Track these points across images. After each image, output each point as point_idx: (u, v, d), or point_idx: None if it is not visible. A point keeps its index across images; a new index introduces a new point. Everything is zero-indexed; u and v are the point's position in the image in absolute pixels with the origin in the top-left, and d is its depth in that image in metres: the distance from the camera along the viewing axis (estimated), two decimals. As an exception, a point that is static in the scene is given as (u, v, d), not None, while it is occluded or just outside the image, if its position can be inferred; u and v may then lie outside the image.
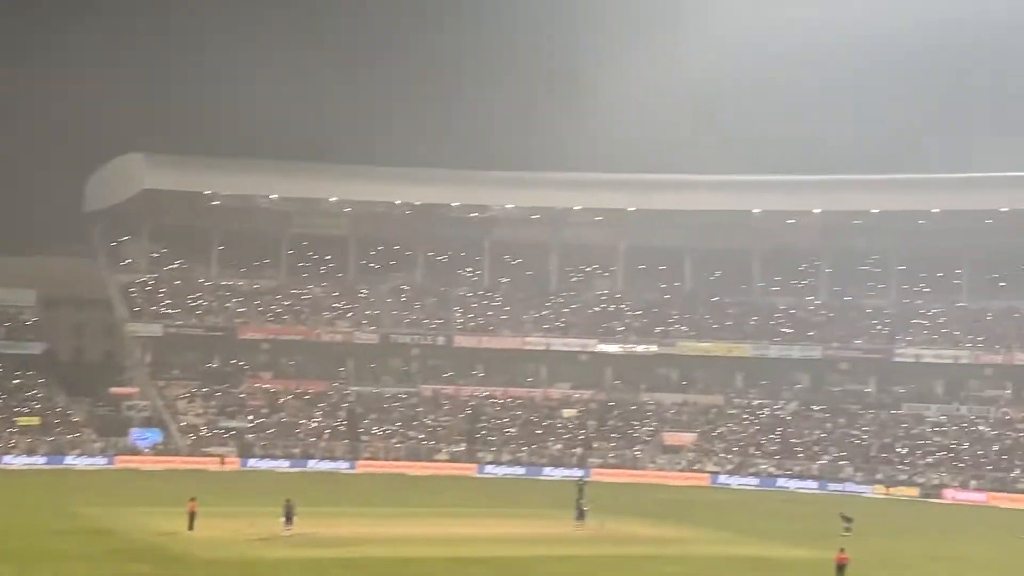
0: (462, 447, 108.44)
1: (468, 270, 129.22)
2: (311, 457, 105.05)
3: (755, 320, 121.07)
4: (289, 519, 60.32)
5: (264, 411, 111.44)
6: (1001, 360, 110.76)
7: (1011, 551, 67.69)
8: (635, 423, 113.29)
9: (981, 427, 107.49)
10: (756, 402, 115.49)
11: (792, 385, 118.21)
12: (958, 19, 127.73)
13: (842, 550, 53.78)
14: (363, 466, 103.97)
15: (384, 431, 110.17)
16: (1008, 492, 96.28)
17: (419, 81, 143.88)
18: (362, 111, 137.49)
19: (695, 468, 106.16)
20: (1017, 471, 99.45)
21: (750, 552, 61.44)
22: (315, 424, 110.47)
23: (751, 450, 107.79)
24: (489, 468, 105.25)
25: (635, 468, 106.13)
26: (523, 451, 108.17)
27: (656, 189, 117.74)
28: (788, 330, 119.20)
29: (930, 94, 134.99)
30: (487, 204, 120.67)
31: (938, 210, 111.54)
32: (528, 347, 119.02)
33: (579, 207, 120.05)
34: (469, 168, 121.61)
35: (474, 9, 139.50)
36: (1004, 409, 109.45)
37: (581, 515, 69.06)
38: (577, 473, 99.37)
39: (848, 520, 69.09)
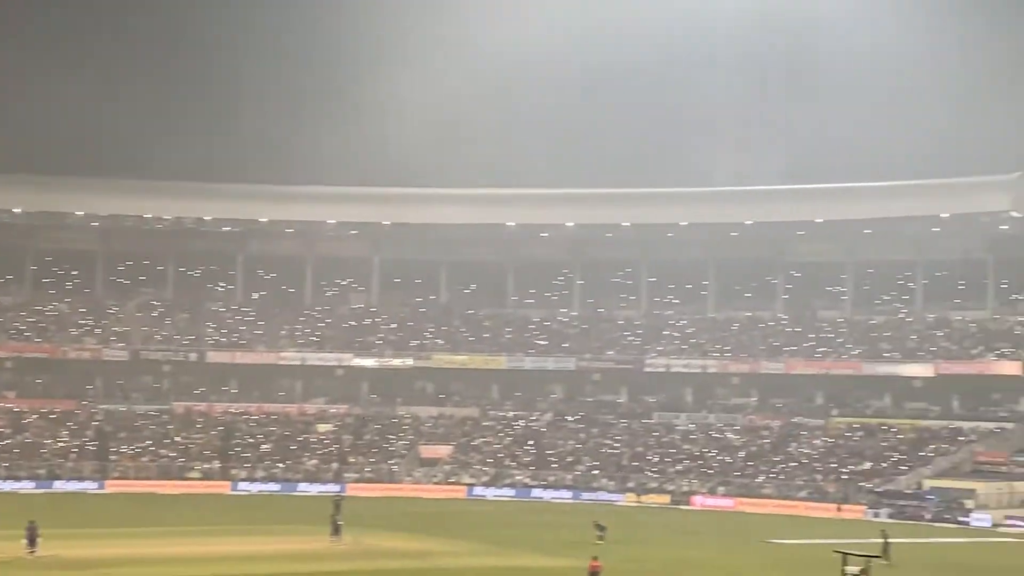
0: (215, 464, 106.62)
1: (221, 285, 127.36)
2: (57, 478, 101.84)
3: (510, 332, 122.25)
4: (32, 541, 58.38)
5: (7, 431, 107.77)
6: (747, 369, 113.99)
7: (755, 555, 69.64)
8: (391, 437, 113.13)
9: (728, 434, 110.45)
10: (511, 414, 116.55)
11: (547, 396, 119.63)
12: (705, 32, 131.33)
13: (595, 558, 54.67)
14: (112, 486, 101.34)
15: (134, 449, 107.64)
16: (754, 497, 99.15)
17: (173, 93, 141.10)
18: (112, 123, 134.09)
19: (452, 480, 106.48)
20: (762, 477, 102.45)
21: (505, 563, 61.86)
22: (62, 444, 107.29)
23: (507, 461, 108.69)
24: (243, 485, 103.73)
25: (392, 482, 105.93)
26: (278, 467, 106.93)
27: (411, 203, 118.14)
28: (542, 342, 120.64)
29: (677, 109, 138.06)
30: (240, 218, 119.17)
31: (686, 223, 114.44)
32: (283, 362, 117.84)
33: (334, 221, 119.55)
34: (223, 181, 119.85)
35: (231, 21, 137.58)
36: (750, 416, 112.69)
37: (337, 530, 68.52)
38: (333, 488, 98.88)
39: (601, 528, 70.23)
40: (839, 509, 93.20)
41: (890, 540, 64.48)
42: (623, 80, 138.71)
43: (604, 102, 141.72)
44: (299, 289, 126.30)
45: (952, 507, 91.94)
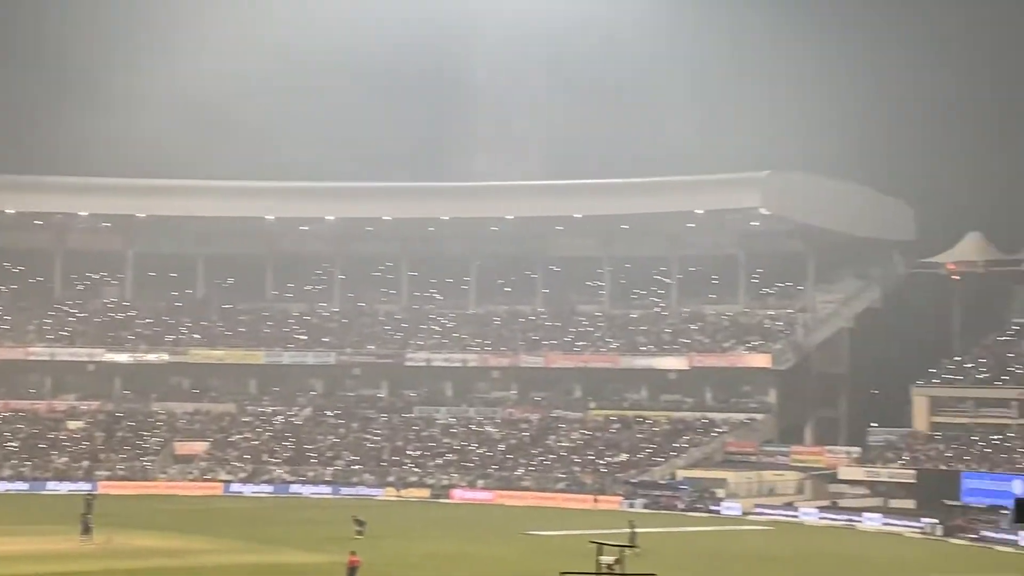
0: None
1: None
2: None
3: (269, 327, 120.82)
4: None
5: None
6: (507, 363, 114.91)
7: (514, 547, 70.23)
8: (145, 434, 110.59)
9: (488, 428, 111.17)
10: (270, 409, 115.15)
11: (306, 391, 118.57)
12: (468, 28, 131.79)
13: (353, 553, 54.46)
14: None
15: None
16: (513, 490, 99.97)
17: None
18: None
19: (208, 477, 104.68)
20: (521, 469, 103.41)
21: (263, 560, 61.15)
22: None
23: (265, 457, 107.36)
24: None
25: (146, 480, 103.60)
26: (26, 466, 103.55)
27: (167, 195, 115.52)
28: (302, 336, 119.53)
29: (438, 104, 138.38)
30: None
31: (447, 217, 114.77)
32: (31, 357, 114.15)
33: (86, 213, 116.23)
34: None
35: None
36: (510, 410, 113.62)
37: (87, 530, 66.64)
38: (84, 487, 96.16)
39: (360, 523, 69.94)
40: (596, 500, 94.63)
41: (637, 530, 65.66)
42: (388, 75, 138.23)
43: (369, 96, 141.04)
44: (48, 283, 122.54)
45: (704, 496, 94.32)
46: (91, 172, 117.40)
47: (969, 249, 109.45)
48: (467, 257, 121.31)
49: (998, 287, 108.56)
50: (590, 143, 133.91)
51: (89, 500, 72.24)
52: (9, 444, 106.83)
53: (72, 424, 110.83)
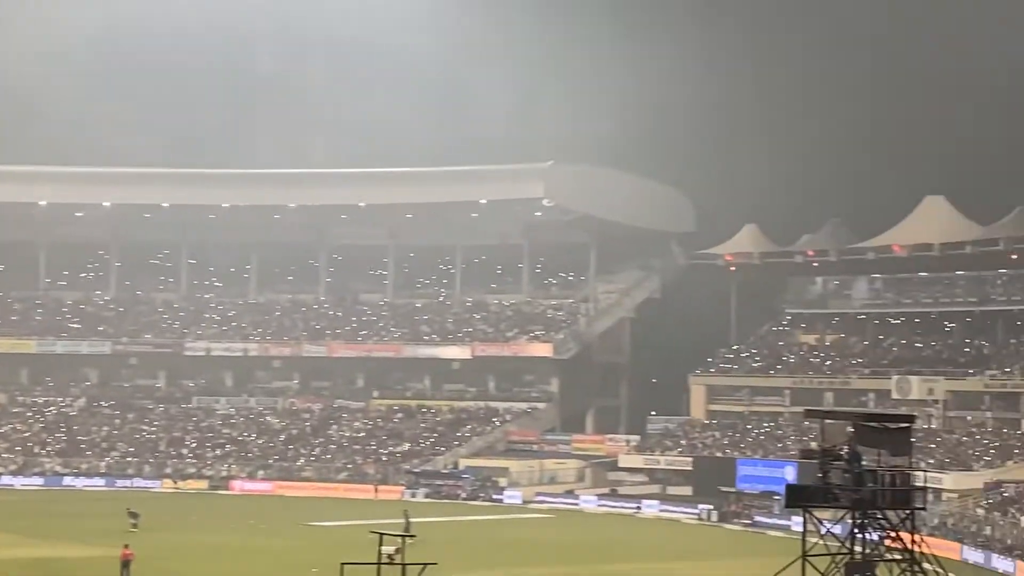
0: None
1: None
2: None
3: (41, 315, 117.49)
4: None
5: None
6: (289, 352, 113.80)
7: (295, 538, 69.65)
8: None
9: (269, 418, 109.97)
10: (42, 399, 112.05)
11: (80, 382, 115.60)
12: (246, 17, 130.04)
13: (127, 546, 53.35)
14: None
15: None
16: (293, 481, 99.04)
17: None
18: None
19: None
20: (302, 460, 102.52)
21: (35, 554, 59.49)
22: None
23: (36, 449, 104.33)
24: None
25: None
26: None
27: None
28: (76, 325, 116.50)
29: (219, 90, 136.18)
30: None
31: (228, 205, 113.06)
32: None
33: None
34: None
35: None
36: (291, 400, 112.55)
37: None
38: None
39: (135, 516, 68.55)
40: (376, 491, 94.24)
41: (411, 520, 65.58)
42: (172, 60, 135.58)
43: (153, 82, 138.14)
44: None
45: (486, 485, 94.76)
46: None
47: (745, 241, 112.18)
48: (248, 245, 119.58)
49: (773, 278, 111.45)
50: (376, 132, 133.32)
51: None
52: None
53: None
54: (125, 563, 52.68)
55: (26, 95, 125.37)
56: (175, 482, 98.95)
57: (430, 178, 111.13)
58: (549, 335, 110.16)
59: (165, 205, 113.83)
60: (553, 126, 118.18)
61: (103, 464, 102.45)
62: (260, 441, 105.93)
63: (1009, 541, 64.95)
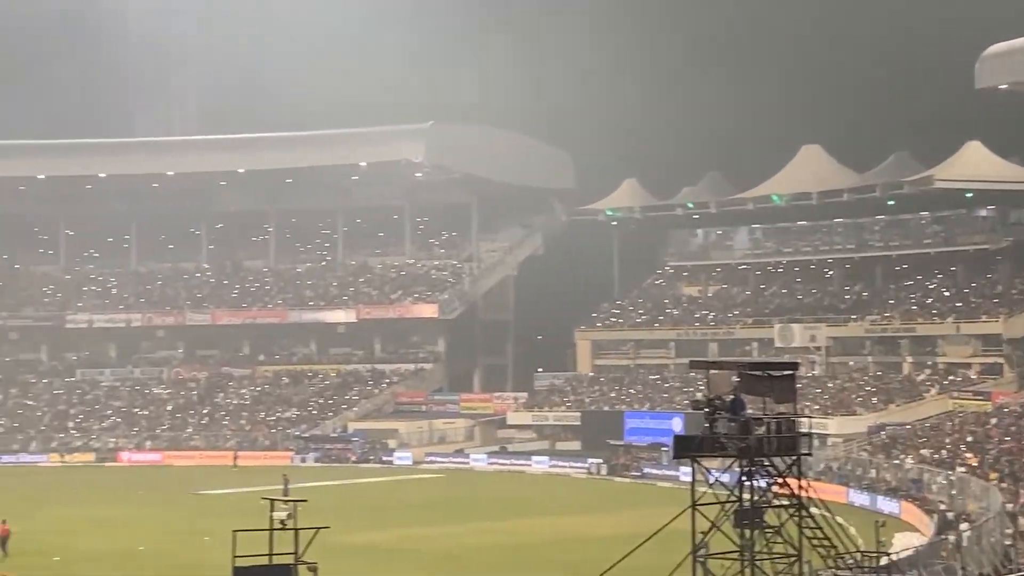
0: None
1: None
2: None
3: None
4: None
5: None
6: (173, 321, 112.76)
7: (185, 507, 69.37)
8: None
9: (155, 388, 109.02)
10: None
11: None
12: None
13: (4, 521, 52.83)
14: None
15: None
16: (182, 450, 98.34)
17: None
18: None
19: None
20: (190, 429, 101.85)
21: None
22: None
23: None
24: None
25: None
26: None
27: None
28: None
29: (91, 58, 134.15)
30: None
31: (104, 175, 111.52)
32: None
33: None
34: None
35: None
36: (176, 369, 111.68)
37: None
38: None
39: None
40: (235, 459, 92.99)
41: (289, 485, 65.60)
42: (40, 29, 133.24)
43: (20, 50, 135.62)
44: None
45: (376, 447, 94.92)
46: None
47: (626, 195, 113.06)
48: (127, 215, 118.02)
49: (654, 232, 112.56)
50: (251, 96, 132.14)
51: None
52: None
53: None
54: (2, 539, 52.26)
55: None
56: (62, 456, 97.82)
57: (309, 142, 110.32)
58: (434, 295, 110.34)
59: (41, 177, 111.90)
60: (432, 88, 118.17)
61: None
62: (147, 412, 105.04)
63: (893, 483, 66.55)
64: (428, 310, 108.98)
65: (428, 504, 70.80)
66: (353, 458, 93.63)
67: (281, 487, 64.11)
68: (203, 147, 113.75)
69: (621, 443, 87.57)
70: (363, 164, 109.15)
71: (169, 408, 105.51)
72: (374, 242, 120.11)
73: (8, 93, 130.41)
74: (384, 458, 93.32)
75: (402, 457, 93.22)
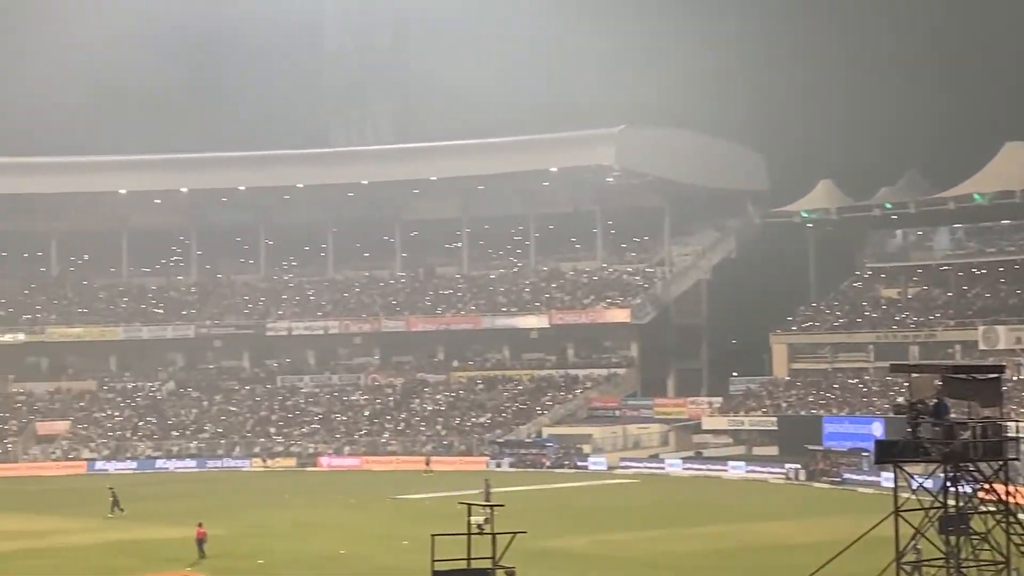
0: None
1: None
2: None
3: (126, 302, 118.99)
4: None
5: None
6: (369, 328, 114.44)
7: (382, 512, 70.26)
8: (5, 415, 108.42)
9: (352, 394, 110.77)
10: (131, 385, 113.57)
11: (167, 366, 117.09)
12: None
13: (200, 524, 54.12)
14: None
15: None
16: (380, 455, 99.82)
17: None
18: None
19: (71, 457, 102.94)
20: (387, 434, 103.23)
21: (127, 536, 60.40)
22: None
23: (128, 434, 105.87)
24: None
25: (7, 461, 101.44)
26: None
27: (16, 172, 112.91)
28: (159, 311, 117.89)
29: (288, 71, 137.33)
30: None
31: (302, 185, 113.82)
32: None
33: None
34: None
35: None
36: (373, 375, 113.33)
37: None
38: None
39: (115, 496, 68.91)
40: (428, 464, 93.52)
41: (492, 489, 66.00)
42: (239, 41, 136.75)
43: (224, 66, 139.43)
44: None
45: (570, 453, 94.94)
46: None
47: (821, 197, 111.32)
48: (324, 224, 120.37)
49: (851, 233, 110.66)
50: (442, 103, 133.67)
51: None
52: None
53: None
54: (200, 541, 53.54)
55: (109, 84, 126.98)
56: (264, 461, 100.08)
57: (501, 148, 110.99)
58: (626, 300, 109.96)
59: (241, 188, 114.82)
60: (623, 92, 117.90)
61: (193, 446, 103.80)
62: (345, 417, 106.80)
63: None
64: (620, 315, 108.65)
65: (623, 509, 70.55)
66: (547, 463, 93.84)
67: (481, 491, 64.63)
68: (396, 156, 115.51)
69: (819, 448, 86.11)
70: (554, 169, 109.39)
71: (366, 414, 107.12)
72: (566, 247, 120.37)
73: (207, 106, 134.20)
74: (578, 463, 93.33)
75: (596, 462, 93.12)
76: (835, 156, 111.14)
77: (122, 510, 68.16)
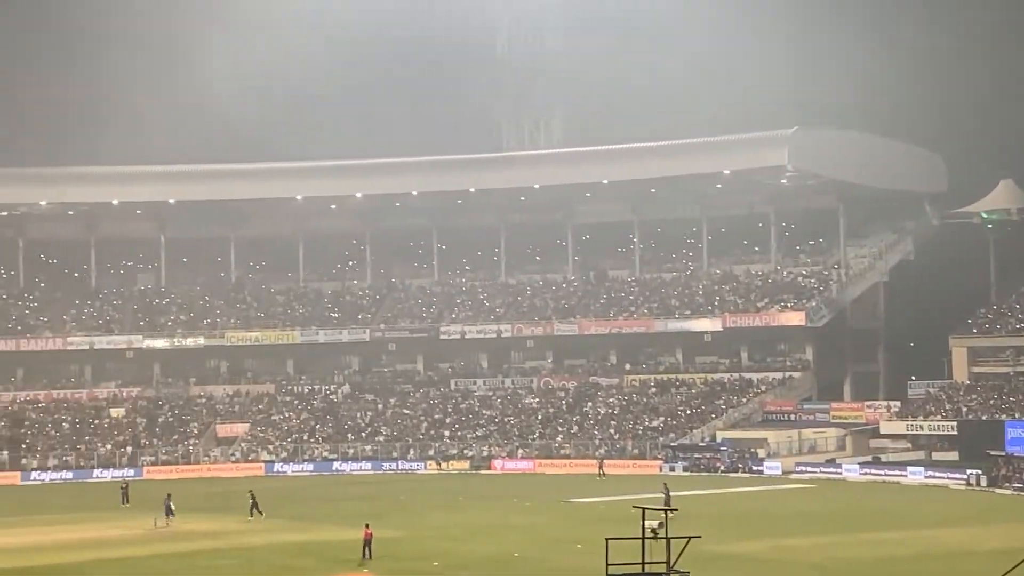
0: (3, 455, 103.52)
1: (1, 271, 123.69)
2: None
3: (302, 306, 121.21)
4: None
5: None
6: (541, 331, 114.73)
7: (556, 515, 70.45)
8: (186, 417, 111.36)
9: (525, 397, 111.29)
10: (307, 388, 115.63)
11: (343, 369, 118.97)
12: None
13: (367, 526, 54.88)
14: None
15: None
16: (553, 458, 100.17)
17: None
18: None
19: (250, 458, 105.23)
20: (560, 437, 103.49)
21: (304, 538, 61.52)
22: None
23: (305, 436, 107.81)
24: (35, 475, 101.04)
25: (189, 463, 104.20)
26: (71, 455, 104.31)
27: (196, 180, 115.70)
28: (335, 315, 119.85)
29: (462, 76, 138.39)
30: (17, 203, 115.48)
31: (474, 189, 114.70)
32: (71, 347, 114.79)
33: (117, 201, 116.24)
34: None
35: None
36: (546, 378, 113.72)
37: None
38: (129, 473, 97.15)
39: (254, 499, 69.77)
40: (601, 467, 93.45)
41: (671, 492, 65.84)
42: (414, 48, 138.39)
43: (389, 72, 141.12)
44: (84, 272, 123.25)
45: (745, 457, 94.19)
46: (120, 161, 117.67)
47: (1002, 197, 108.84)
48: (496, 228, 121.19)
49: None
50: (613, 106, 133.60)
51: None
52: (53, 434, 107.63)
53: (114, 411, 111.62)
54: (366, 542, 54.30)
55: (287, 91, 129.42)
56: (438, 463, 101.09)
57: (672, 151, 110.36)
58: (801, 303, 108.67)
59: (414, 193, 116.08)
60: (796, 92, 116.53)
61: (368, 448, 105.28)
62: (518, 420, 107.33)
63: None
64: (795, 318, 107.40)
65: (800, 514, 69.78)
66: (721, 467, 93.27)
67: (661, 495, 64.62)
68: (568, 160, 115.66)
69: (1002, 454, 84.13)
70: (727, 172, 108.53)
71: (539, 417, 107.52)
72: (739, 250, 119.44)
73: (382, 112, 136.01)
74: (753, 467, 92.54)
75: (771, 467, 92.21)
76: (1016, 155, 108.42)
77: (261, 513, 69.15)
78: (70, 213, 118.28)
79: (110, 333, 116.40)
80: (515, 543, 58.54)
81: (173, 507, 67.79)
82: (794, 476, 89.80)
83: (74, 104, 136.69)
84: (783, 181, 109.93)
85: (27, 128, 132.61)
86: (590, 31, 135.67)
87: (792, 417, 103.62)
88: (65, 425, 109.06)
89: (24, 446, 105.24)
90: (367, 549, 53.95)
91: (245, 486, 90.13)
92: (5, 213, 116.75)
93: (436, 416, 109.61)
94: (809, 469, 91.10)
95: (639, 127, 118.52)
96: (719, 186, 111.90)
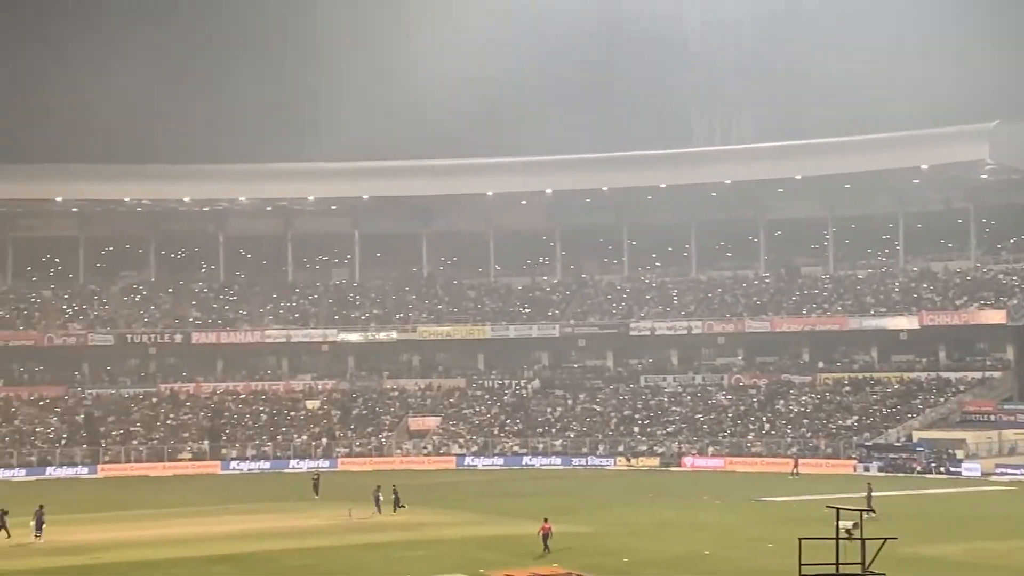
0: (205, 445, 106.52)
1: (203, 265, 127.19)
2: (49, 464, 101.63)
3: (493, 302, 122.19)
4: (39, 527, 58.61)
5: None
6: (732, 328, 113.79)
7: (746, 514, 69.84)
8: (379, 410, 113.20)
9: (716, 394, 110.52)
10: (498, 383, 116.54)
11: (532, 364, 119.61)
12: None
13: (545, 520, 55.02)
14: (104, 470, 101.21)
15: (124, 433, 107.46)
16: (744, 456, 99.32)
17: (141, 73, 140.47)
18: (79, 109, 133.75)
19: (441, 452, 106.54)
20: (752, 435, 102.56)
21: (492, 531, 61.97)
22: (51, 430, 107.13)
23: (495, 430, 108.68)
24: (234, 464, 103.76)
25: (382, 455, 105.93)
26: (268, 445, 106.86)
27: (389, 176, 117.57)
28: (526, 310, 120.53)
29: (653, 72, 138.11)
30: (218, 198, 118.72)
31: (664, 185, 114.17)
32: (268, 340, 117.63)
33: (313, 197, 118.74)
34: (199, 163, 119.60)
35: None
36: (737, 376, 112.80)
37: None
38: (324, 464, 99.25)
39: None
40: (795, 466, 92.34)
41: (874, 493, 64.77)
42: (604, 45, 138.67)
43: (582, 69, 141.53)
44: (281, 267, 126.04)
45: (942, 458, 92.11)
46: (316, 158, 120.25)
47: None
48: (686, 224, 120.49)
49: None
50: (803, 101, 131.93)
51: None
52: (251, 425, 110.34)
53: (310, 403, 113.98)
54: (544, 536, 54.44)
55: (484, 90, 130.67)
56: (628, 459, 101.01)
57: (867, 146, 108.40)
58: (1001, 301, 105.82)
59: (604, 189, 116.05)
60: (999, 85, 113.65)
61: (558, 443, 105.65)
62: (709, 418, 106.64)
63: None
64: (995, 316, 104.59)
65: (1001, 517, 67.92)
66: (918, 468, 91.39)
67: (856, 496, 63.67)
68: (760, 155, 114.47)
69: None
70: (924, 167, 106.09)
71: (730, 415, 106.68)
72: (936, 246, 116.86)
73: (573, 109, 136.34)
74: (951, 469, 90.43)
75: (970, 468, 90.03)
76: None
77: (403, 506, 69.80)
78: (268, 209, 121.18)
79: (306, 326, 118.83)
80: (705, 541, 58.15)
81: (381, 497, 69.19)
82: (994, 478, 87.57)
83: (276, 105, 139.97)
84: (983, 176, 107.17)
85: (231, 127, 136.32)
86: (782, 26, 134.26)
87: (992, 418, 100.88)
88: (263, 416, 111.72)
89: (224, 436, 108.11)
90: (545, 543, 54.20)
91: (437, 479, 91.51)
92: (207, 208, 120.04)
93: (625, 412, 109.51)
94: (1010, 471, 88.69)
95: (829, 122, 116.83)
96: (916, 181, 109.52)
